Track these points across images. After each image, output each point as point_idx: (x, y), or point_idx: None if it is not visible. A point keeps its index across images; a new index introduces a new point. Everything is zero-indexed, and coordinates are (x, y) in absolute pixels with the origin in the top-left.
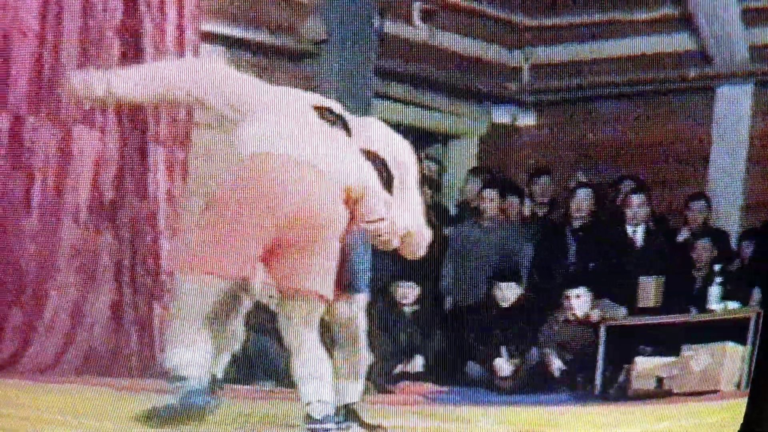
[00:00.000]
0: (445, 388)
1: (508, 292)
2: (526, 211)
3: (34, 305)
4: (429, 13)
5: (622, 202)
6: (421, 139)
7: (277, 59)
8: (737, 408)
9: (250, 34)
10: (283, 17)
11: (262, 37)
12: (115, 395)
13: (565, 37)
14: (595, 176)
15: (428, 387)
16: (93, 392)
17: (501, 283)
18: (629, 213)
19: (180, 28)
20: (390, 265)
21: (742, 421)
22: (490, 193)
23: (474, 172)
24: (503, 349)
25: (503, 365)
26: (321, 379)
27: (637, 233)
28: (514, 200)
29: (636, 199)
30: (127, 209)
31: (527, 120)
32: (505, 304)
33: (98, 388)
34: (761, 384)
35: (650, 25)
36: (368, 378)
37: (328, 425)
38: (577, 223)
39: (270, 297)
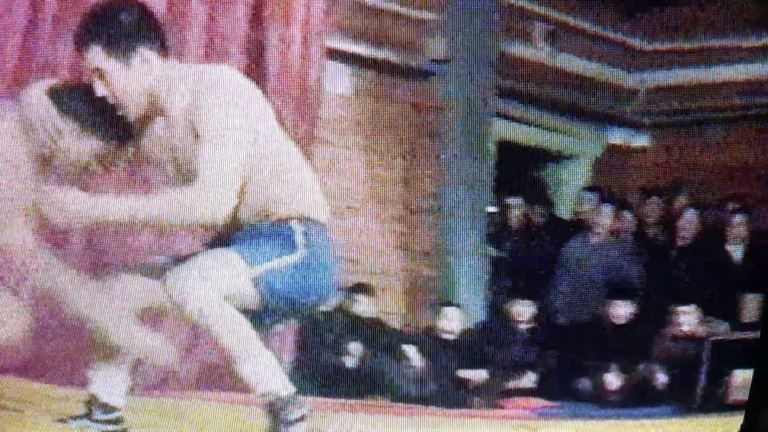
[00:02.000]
0: (554, 404)
1: (622, 310)
2: (635, 229)
3: None
4: (551, 35)
5: (725, 222)
6: (536, 158)
7: (399, 77)
8: None
9: (373, 52)
10: (406, 35)
11: (385, 54)
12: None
13: (679, 62)
14: (702, 197)
15: (538, 402)
16: (209, 407)
17: (616, 301)
18: (730, 232)
19: (305, 43)
20: (507, 283)
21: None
22: (607, 209)
23: (590, 188)
24: (612, 365)
25: (612, 380)
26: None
27: (737, 252)
28: (629, 216)
29: (737, 219)
30: None
31: (641, 141)
32: (618, 321)
33: (213, 403)
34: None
35: (760, 51)
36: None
37: None
38: (682, 242)
39: None
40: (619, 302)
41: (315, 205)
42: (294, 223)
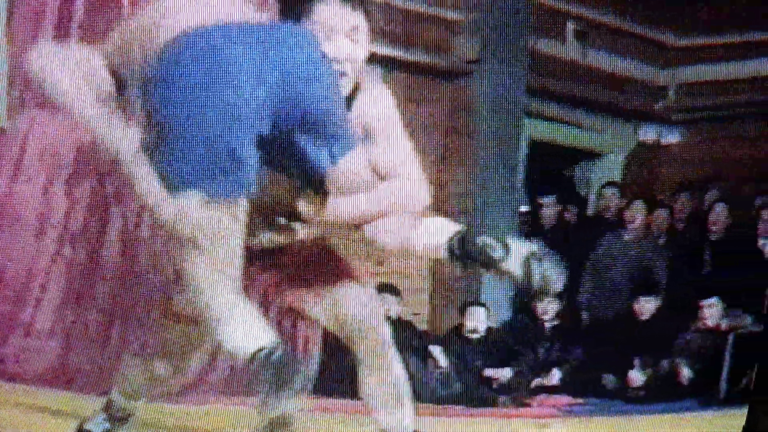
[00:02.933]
0: (580, 400)
1: (649, 305)
2: (667, 226)
3: None
4: (581, 33)
5: (756, 216)
6: (568, 156)
7: (432, 78)
8: None
9: (405, 54)
10: (438, 36)
11: (418, 56)
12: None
13: (710, 57)
14: (733, 192)
15: (564, 399)
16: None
17: (642, 297)
18: (761, 226)
19: None
20: None
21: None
22: (640, 205)
23: (609, 184)
24: (636, 360)
25: (637, 376)
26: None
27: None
28: (662, 212)
29: (765, 214)
30: None
31: (672, 138)
32: (643, 317)
33: (238, 407)
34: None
35: None
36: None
37: None
38: (713, 237)
39: None
40: (644, 297)
41: None
42: None
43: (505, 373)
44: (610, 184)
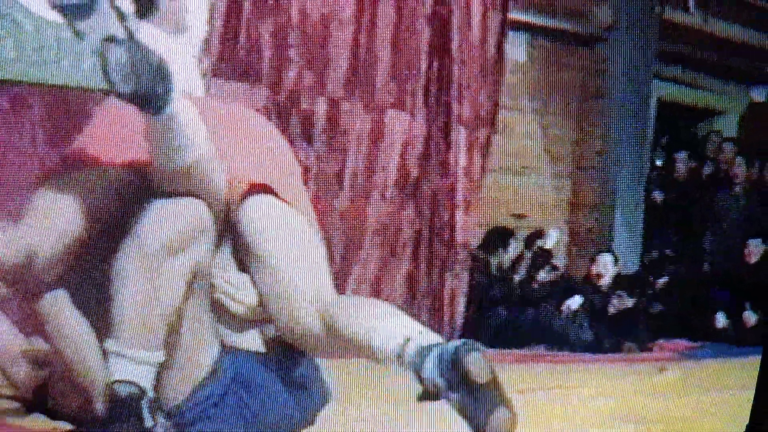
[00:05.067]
0: (697, 344)
1: (756, 249)
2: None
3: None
4: (703, 2)
5: None
6: (693, 115)
7: (571, 44)
8: None
9: (548, 21)
10: (577, 4)
11: (559, 23)
12: None
13: None
14: None
15: (683, 343)
16: None
17: (752, 241)
18: None
19: (485, 16)
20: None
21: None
22: (741, 160)
23: (727, 139)
24: (747, 303)
25: (750, 317)
26: None
27: None
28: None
29: None
30: (429, 185)
31: None
32: (752, 260)
33: None
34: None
35: None
36: None
37: None
38: None
39: None
40: (753, 241)
41: None
42: None
43: (629, 316)
44: (728, 140)
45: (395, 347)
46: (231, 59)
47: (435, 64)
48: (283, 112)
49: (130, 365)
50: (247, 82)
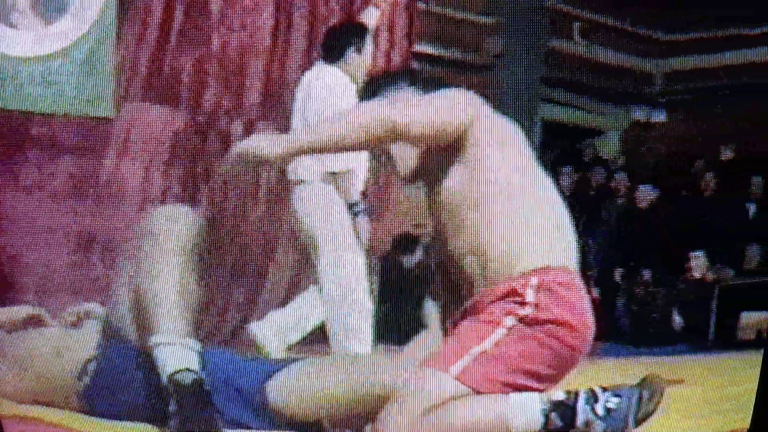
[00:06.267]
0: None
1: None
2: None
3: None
4: (586, 31)
5: (744, 182)
6: (578, 134)
7: (463, 72)
8: None
9: (444, 52)
10: (470, 36)
11: (453, 53)
12: None
13: (692, 49)
14: (719, 162)
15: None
16: None
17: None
18: (751, 190)
19: (391, 48)
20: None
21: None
22: (622, 176)
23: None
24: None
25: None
26: None
27: (751, 208)
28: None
29: (754, 180)
30: None
31: (660, 117)
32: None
33: None
34: None
35: (760, 38)
36: None
37: None
38: (705, 195)
39: None
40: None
41: None
42: None
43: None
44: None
45: (538, 415)
46: (156, 84)
47: None
48: (202, 132)
49: (182, 351)
50: (170, 105)
